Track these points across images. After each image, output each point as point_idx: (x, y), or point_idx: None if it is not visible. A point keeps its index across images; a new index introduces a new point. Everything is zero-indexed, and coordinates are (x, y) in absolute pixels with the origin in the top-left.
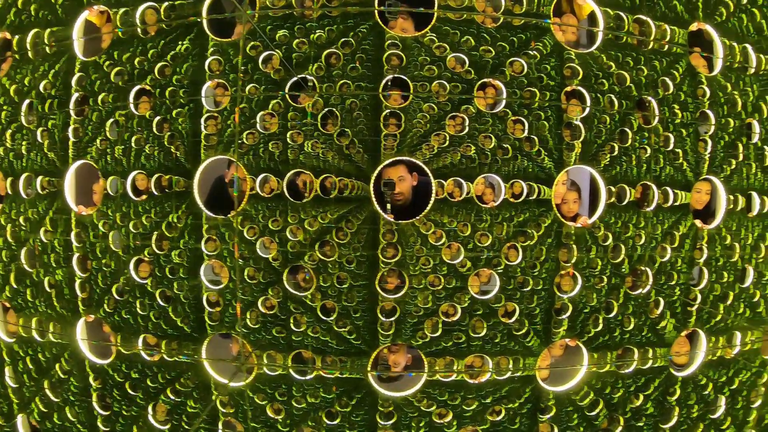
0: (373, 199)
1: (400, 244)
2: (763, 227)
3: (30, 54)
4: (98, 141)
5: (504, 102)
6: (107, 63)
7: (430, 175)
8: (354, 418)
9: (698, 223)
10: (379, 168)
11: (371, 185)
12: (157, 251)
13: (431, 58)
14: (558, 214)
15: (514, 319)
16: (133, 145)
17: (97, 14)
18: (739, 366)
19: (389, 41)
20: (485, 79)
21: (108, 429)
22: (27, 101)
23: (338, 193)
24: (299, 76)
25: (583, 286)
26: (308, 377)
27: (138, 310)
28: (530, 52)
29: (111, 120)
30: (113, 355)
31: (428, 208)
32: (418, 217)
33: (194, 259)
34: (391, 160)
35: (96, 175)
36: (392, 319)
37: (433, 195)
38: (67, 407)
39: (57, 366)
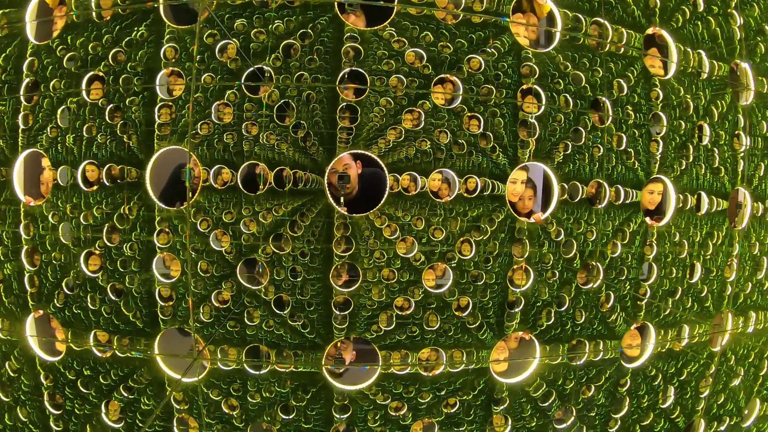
0: (327, 192)
1: (354, 238)
2: (711, 225)
3: None
4: (49, 129)
5: (460, 98)
6: (60, 48)
7: (383, 166)
8: (309, 412)
9: (648, 220)
10: (334, 161)
11: (325, 178)
12: (108, 244)
13: (390, 52)
14: (512, 211)
15: (467, 312)
16: (84, 133)
17: None
18: (687, 358)
19: (348, 34)
20: (443, 75)
21: (61, 429)
22: None
23: (293, 186)
24: (255, 66)
25: (535, 280)
26: (263, 372)
27: (89, 304)
28: (488, 49)
29: (62, 107)
30: (63, 352)
31: (383, 201)
32: (372, 211)
33: (147, 252)
34: (345, 153)
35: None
36: (346, 312)
37: (388, 188)
38: (18, 407)
39: (6, 364)
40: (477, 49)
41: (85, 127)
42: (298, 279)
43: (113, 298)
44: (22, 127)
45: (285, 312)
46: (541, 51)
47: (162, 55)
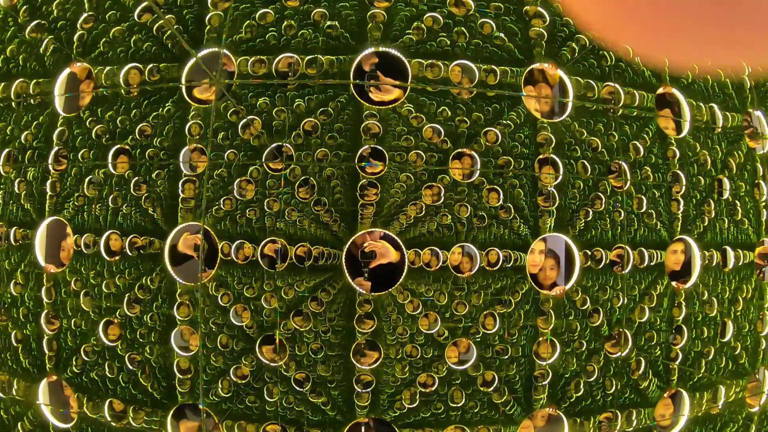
0: (345, 270)
1: (377, 314)
2: (739, 279)
3: (14, 104)
4: (75, 197)
5: (479, 171)
6: (90, 119)
7: (402, 247)
8: None
9: (674, 284)
10: (353, 237)
11: (343, 255)
12: (129, 314)
13: (408, 128)
14: (533, 284)
15: (493, 387)
16: (110, 204)
17: (81, 68)
18: (725, 419)
19: (367, 111)
20: (460, 149)
21: None
22: (6, 150)
23: (313, 262)
24: (275, 144)
25: (562, 351)
26: None
27: (106, 372)
28: (503, 121)
29: (89, 177)
30: (74, 420)
31: (402, 277)
32: (393, 287)
33: (166, 324)
34: (364, 231)
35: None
36: (368, 390)
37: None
38: None
39: (20, 425)
40: (493, 121)
41: (110, 197)
42: (319, 356)
43: (131, 367)
44: (49, 193)
45: (305, 389)
46: (556, 120)
47: (187, 132)
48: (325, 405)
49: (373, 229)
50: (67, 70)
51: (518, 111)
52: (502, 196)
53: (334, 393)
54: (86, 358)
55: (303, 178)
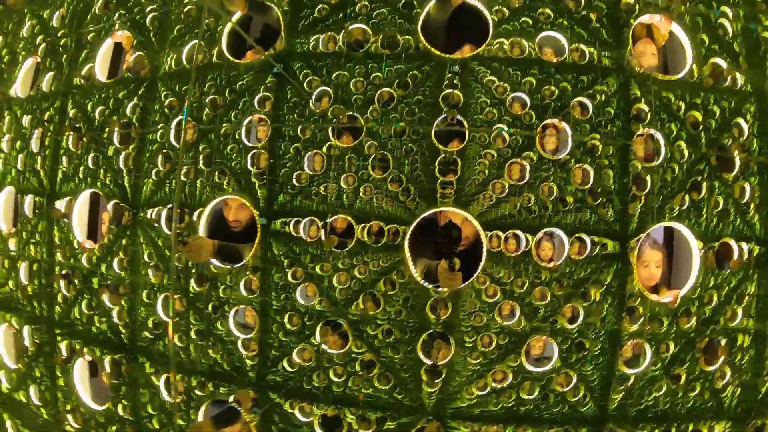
0: (406, 251)
1: (452, 300)
2: None
3: None
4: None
5: (569, 147)
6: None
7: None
8: None
9: None
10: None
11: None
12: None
13: (491, 100)
14: (641, 287)
15: (571, 386)
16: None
17: None
18: None
19: (447, 81)
20: (548, 121)
21: None
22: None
23: (388, 241)
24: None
25: (645, 353)
26: None
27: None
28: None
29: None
30: None
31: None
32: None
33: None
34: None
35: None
36: (438, 380)
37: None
38: None
39: None
40: (582, 92)
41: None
42: (390, 339)
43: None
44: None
45: (373, 374)
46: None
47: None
48: (391, 390)
49: (452, 209)
50: None
51: (609, 82)
52: (589, 177)
53: (402, 377)
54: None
55: (380, 152)
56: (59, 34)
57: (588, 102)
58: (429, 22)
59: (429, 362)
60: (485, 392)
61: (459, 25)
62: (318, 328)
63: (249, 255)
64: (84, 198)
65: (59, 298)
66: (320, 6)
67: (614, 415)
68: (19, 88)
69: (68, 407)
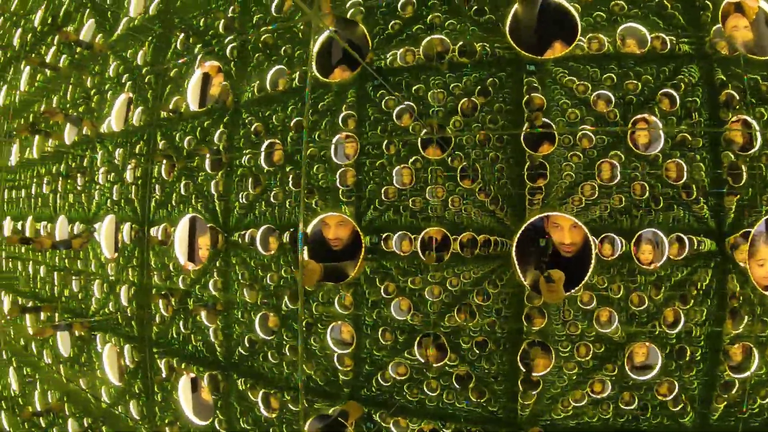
0: (515, 260)
1: (546, 308)
2: None
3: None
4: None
5: (661, 141)
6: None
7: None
8: None
9: None
10: (525, 224)
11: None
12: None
13: (572, 100)
14: (757, 286)
15: (672, 396)
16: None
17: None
18: None
19: (527, 86)
20: (638, 116)
21: None
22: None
23: (480, 252)
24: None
25: (752, 357)
26: None
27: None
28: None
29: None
30: None
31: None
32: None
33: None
34: (541, 216)
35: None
36: (535, 392)
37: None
38: None
39: None
40: (667, 83)
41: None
42: (485, 350)
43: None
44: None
45: (470, 385)
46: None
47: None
48: (486, 403)
49: (559, 214)
50: None
51: (691, 69)
52: (684, 172)
53: (497, 389)
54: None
55: (465, 163)
56: (143, 71)
57: (674, 92)
58: (517, 24)
59: (524, 372)
60: (582, 403)
61: (547, 24)
62: (417, 341)
63: (354, 272)
64: (184, 223)
65: (157, 319)
66: (393, 21)
67: (717, 426)
68: (114, 123)
69: (166, 421)
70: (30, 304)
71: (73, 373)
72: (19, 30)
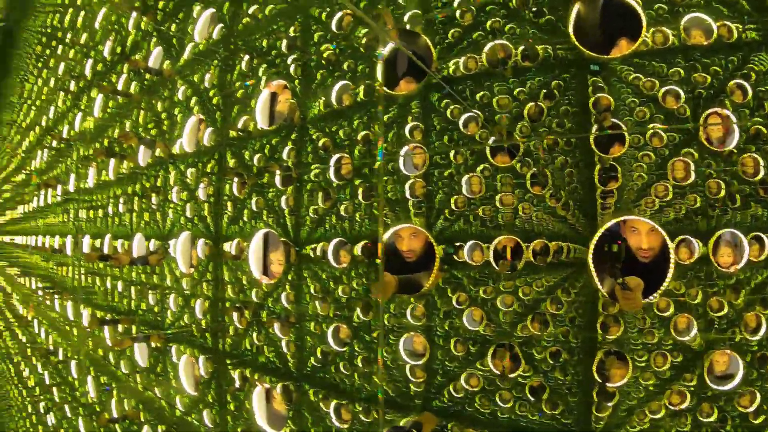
0: (591, 266)
1: (622, 316)
2: None
3: None
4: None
5: (736, 136)
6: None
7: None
8: None
9: None
10: (601, 229)
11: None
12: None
13: (639, 98)
14: None
15: (753, 407)
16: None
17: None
18: None
19: (592, 86)
20: (711, 110)
21: None
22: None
23: (553, 259)
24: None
25: None
26: None
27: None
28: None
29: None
30: None
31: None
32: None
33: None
34: (617, 220)
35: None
36: (611, 403)
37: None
38: None
39: None
40: (736, 74)
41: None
42: (558, 361)
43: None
44: None
45: (544, 396)
46: None
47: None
48: (560, 415)
49: (636, 218)
50: None
51: (760, 58)
52: (760, 167)
53: (570, 401)
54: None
55: (534, 169)
56: (211, 94)
57: (745, 83)
58: (581, 23)
59: (600, 383)
60: (659, 415)
61: (612, 21)
62: (491, 352)
63: (430, 283)
64: (258, 238)
65: (230, 330)
66: (453, 30)
67: None
68: (186, 144)
69: (238, 430)
70: (108, 317)
71: (149, 382)
72: (90, 60)
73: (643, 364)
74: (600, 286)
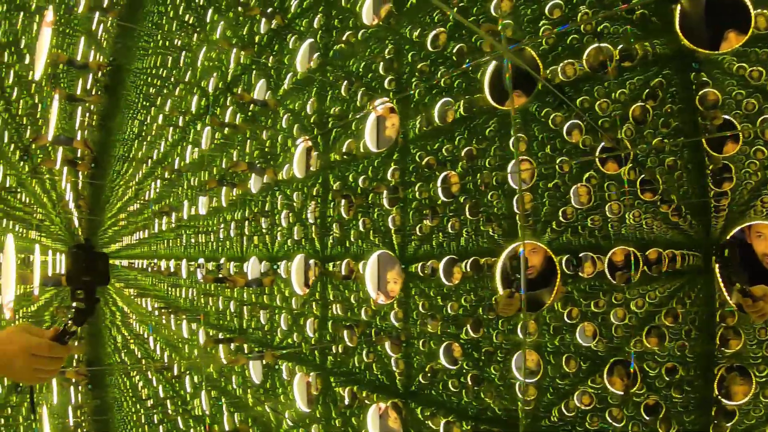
0: (718, 276)
1: (742, 328)
2: None
3: None
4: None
5: None
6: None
7: None
8: None
9: None
10: (728, 235)
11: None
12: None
13: (746, 89)
14: None
15: None
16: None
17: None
18: None
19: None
20: None
21: None
22: None
23: (667, 268)
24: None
25: None
26: None
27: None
28: None
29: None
30: None
31: None
32: None
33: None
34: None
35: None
36: (729, 423)
37: None
38: None
39: None
40: None
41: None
42: (676, 377)
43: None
44: None
45: (659, 416)
46: None
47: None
48: None
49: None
50: None
51: None
52: None
53: (686, 420)
54: None
55: (644, 175)
56: (311, 121)
57: None
58: (686, 19)
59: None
60: None
61: (718, 15)
62: (608, 368)
63: (551, 300)
64: (373, 258)
65: (339, 349)
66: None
67: None
68: (296, 170)
69: None
70: (221, 335)
71: (259, 398)
72: (195, 96)
73: (763, 380)
74: (728, 297)
